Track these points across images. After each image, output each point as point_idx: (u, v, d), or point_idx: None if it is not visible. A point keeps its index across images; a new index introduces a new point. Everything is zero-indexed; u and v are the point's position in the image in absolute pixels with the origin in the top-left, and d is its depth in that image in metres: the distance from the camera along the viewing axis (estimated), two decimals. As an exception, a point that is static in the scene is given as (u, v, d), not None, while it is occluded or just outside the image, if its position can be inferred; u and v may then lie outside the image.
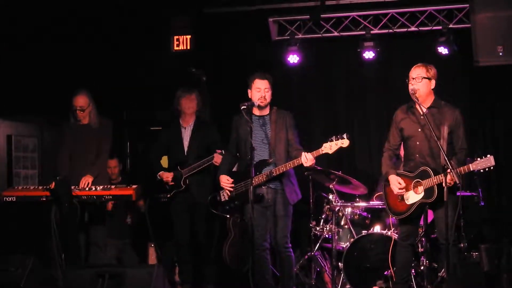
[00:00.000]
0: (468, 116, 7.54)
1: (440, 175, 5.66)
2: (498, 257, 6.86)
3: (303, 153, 5.99)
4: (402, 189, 5.92)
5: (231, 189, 6.40)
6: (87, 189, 6.59)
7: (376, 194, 7.63)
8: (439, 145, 5.57)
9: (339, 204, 7.51)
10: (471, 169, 5.60)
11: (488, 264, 6.88)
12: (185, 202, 7.27)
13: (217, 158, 6.94)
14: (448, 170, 5.47)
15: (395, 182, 5.89)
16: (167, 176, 7.26)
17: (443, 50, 8.44)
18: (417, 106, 5.93)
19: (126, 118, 9.22)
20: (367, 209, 7.65)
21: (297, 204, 6.49)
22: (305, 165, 5.97)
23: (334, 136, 5.91)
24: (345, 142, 5.90)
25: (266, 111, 6.39)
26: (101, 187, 6.65)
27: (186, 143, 7.32)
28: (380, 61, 8.80)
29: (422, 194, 5.86)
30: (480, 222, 7.85)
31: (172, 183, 7.23)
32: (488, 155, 5.56)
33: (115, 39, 8.68)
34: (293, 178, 6.42)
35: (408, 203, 5.94)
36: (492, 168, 5.55)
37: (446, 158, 5.46)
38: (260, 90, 6.30)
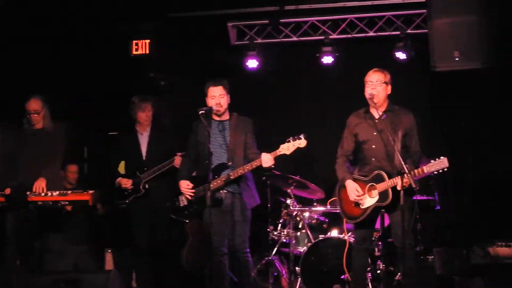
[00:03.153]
0: (428, 119, 7.64)
1: (394, 178, 5.66)
2: (451, 260, 6.91)
3: (262, 153, 5.99)
4: (359, 196, 5.92)
5: (191, 194, 6.38)
6: (42, 194, 6.52)
7: (329, 200, 7.61)
8: (395, 148, 5.56)
9: (297, 208, 7.51)
10: (425, 171, 5.56)
11: (441, 268, 6.91)
12: (145, 207, 7.20)
13: (178, 161, 6.94)
14: (405, 175, 5.44)
15: (353, 189, 5.87)
16: (126, 182, 7.20)
17: (400, 55, 8.48)
18: (372, 110, 5.93)
19: (84, 123, 8.72)
20: (324, 214, 7.62)
21: (255, 209, 6.46)
22: (264, 165, 5.96)
23: (291, 137, 5.88)
24: (302, 143, 5.86)
25: (226, 117, 6.40)
26: (57, 192, 6.56)
27: (144, 149, 7.27)
28: (339, 66, 8.78)
29: (377, 197, 5.84)
30: (436, 226, 7.86)
31: (131, 187, 7.18)
32: (442, 157, 5.52)
33: (73, 43, 8.62)
34: (251, 182, 6.40)
35: (362, 207, 5.92)
36: (445, 170, 5.51)
37: (401, 161, 5.43)
38: (214, 97, 6.31)
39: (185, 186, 6.38)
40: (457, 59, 6.60)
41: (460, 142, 8.43)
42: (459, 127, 8.56)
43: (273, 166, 6.19)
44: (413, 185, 5.38)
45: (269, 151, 6.07)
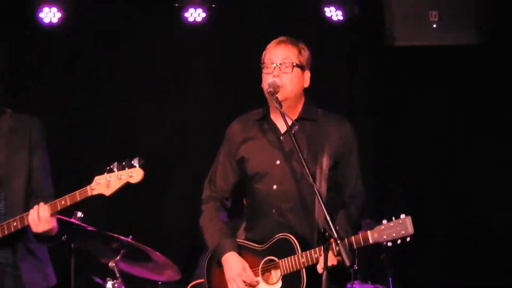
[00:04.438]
0: (372, 134, 6.92)
1: (313, 250, 4.29)
2: None
3: (36, 206, 4.58)
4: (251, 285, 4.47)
5: None
6: None
7: (190, 285, 6.16)
8: (315, 190, 4.12)
9: None
10: (372, 241, 4.20)
11: None
12: None
13: None
14: (331, 240, 4.06)
15: (238, 271, 4.43)
16: None
17: (334, 13, 6.92)
18: (275, 116, 4.52)
19: None
20: None
21: None
22: (33, 230, 4.56)
23: (116, 163, 4.50)
24: (135, 175, 4.43)
25: None
26: None
27: None
28: (214, 25, 7.32)
29: (279, 285, 4.40)
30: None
31: None
32: (402, 216, 4.13)
33: None
34: (40, 247, 4.88)
35: None
36: (409, 239, 4.13)
37: (327, 216, 4.01)
38: None
39: None
40: (434, 26, 5.51)
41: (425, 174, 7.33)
42: (424, 149, 7.40)
43: (80, 216, 5.33)
44: (346, 262, 3.98)
45: (75, 186, 4.51)
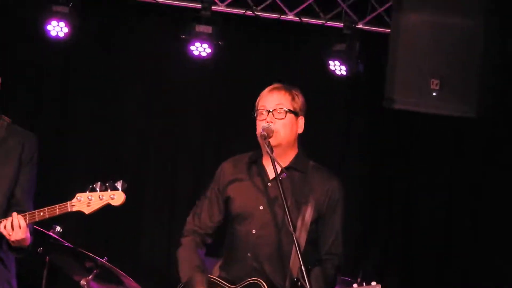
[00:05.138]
0: (358, 194, 6.74)
1: None
2: None
3: (15, 213, 4.49)
4: None
5: None
6: None
7: None
8: (294, 241, 4.12)
9: None
10: None
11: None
12: None
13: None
14: None
15: None
16: None
17: (338, 67, 6.77)
18: (267, 162, 4.47)
19: None
20: None
21: None
22: (9, 238, 4.46)
23: (99, 183, 4.47)
24: (117, 197, 4.40)
25: None
26: None
27: None
28: (219, 65, 7.11)
29: None
30: None
31: None
32: (373, 283, 4.18)
33: None
34: (9, 255, 4.69)
35: None
36: None
37: (302, 267, 4.01)
38: None
39: None
40: (434, 94, 5.25)
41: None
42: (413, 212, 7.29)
43: (58, 230, 5.36)
44: None
45: (56, 200, 4.46)
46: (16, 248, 4.55)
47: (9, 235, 4.38)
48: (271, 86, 4.44)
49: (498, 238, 7.16)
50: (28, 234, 4.43)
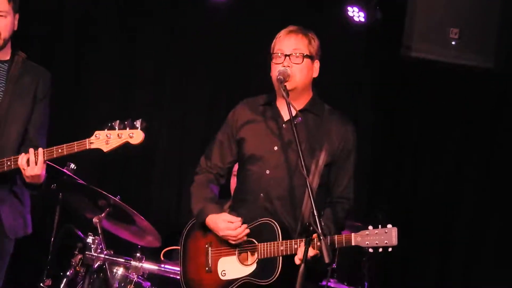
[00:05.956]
0: (367, 143, 6.56)
1: (293, 241, 4.20)
2: None
3: (31, 149, 4.47)
4: (236, 234, 4.30)
5: None
6: None
7: (164, 250, 5.99)
8: (307, 183, 4.01)
9: (102, 256, 5.50)
10: (354, 244, 4.12)
11: None
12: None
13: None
14: (314, 235, 3.99)
15: (223, 221, 4.32)
16: None
17: (356, 14, 6.64)
18: (281, 104, 4.43)
19: None
20: (153, 276, 5.79)
21: (22, 241, 4.86)
22: (24, 174, 4.42)
23: (118, 121, 4.44)
24: (136, 136, 4.37)
25: (4, 55, 4.74)
26: None
27: None
28: (235, 11, 7.01)
29: (253, 267, 4.29)
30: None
31: None
32: (389, 226, 4.08)
33: None
34: (24, 190, 4.72)
35: (222, 279, 4.36)
36: (391, 249, 4.05)
37: (314, 210, 3.90)
38: None
39: None
40: (453, 43, 5.28)
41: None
42: (424, 163, 7.21)
43: (73, 168, 5.25)
44: (326, 259, 3.87)
45: (73, 138, 4.43)
46: (30, 184, 4.57)
47: (24, 169, 4.40)
48: (288, 29, 4.39)
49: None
50: (44, 172, 4.45)
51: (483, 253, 7.13)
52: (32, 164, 4.38)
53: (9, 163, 4.48)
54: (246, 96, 4.69)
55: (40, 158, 4.41)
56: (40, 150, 4.42)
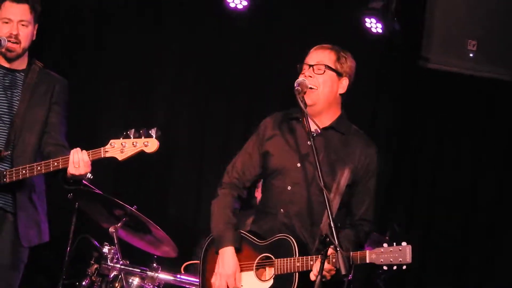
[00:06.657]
0: (388, 160, 6.55)
1: (309, 257, 4.17)
2: None
3: (74, 150, 4.48)
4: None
5: None
6: None
7: (185, 264, 6.04)
8: (326, 200, 3.97)
9: (118, 266, 5.46)
10: (369, 261, 4.10)
11: None
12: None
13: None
14: (330, 249, 3.94)
15: (228, 273, 4.34)
16: None
17: (374, 25, 6.65)
18: (304, 119, 4.36)
19: None
20: (169, 286, 5.79)
21: (37, 249, 4.83)
22: (71, 171, 4.44)
23: (133, 130, 4.46)
24: (151, 144, 4.38)
25: (21, 64, 4.78)
26: None
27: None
28: (257, 21, 7.03)
29: (271, 283, 4.27)
30: None
31: None
32: (403, 244, 4.05)
33: None
34: (41, 198, 4.82)
35: None
36: (405, 267, 4.04)
37: (333, 227, 3.87)
38: (10, 23, 4.72)
39: None
40: (471, 55, 5.35)
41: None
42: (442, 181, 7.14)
43: (89, 177, 4.92)
44: (343, 270, 3.88)
45: (89, 147, 4.51)
46: (74, 180, 4.60)
47: (77, 168, 4.43)
48: (320, 45, 4.38)
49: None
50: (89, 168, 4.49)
51: (497, 269, 7.06)
52: (82, 162, 4.42)
53: (56, 163, 4.49)
54: (266, 105, 4.69)
55: (85, 158, 4.44)
56: (84, 150, 4.44)
